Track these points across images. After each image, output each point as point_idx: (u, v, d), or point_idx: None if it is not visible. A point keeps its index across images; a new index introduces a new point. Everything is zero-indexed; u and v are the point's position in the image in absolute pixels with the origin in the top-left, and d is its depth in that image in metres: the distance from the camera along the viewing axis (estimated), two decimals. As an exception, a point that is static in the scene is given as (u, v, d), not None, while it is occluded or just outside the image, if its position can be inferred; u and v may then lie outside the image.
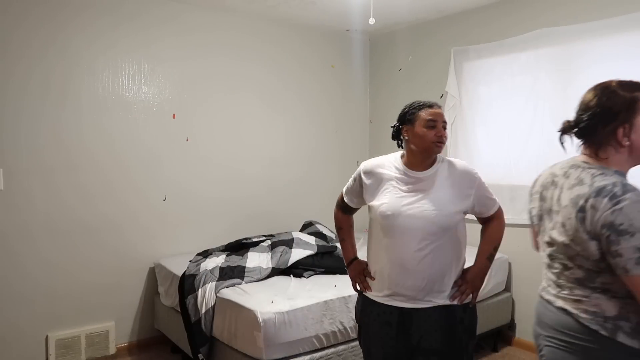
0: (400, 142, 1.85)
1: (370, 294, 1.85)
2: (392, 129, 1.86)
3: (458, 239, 1.78)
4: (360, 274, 1.90)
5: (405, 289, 1.73)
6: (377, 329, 1.81)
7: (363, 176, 1.86)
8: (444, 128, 1.75)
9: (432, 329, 1.73)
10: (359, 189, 1.89)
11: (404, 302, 1.75)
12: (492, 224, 1.88)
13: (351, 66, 4.55)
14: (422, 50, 4.14)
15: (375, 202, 1.79)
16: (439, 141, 1.72)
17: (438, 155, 1.79)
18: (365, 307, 1.87)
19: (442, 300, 1.75)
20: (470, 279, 1.80)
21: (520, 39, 3.35)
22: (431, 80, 4.03)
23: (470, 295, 1.80)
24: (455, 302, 1.76)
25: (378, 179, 1.82)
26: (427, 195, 1.73)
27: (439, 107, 1.79)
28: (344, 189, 1.99)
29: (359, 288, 1.92)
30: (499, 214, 1.88)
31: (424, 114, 1.74)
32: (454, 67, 3.77)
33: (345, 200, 1.98)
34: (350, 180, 1.95)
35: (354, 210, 2.02)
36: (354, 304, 2.01)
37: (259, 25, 3.94)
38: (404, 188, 1.75)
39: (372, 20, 3.01)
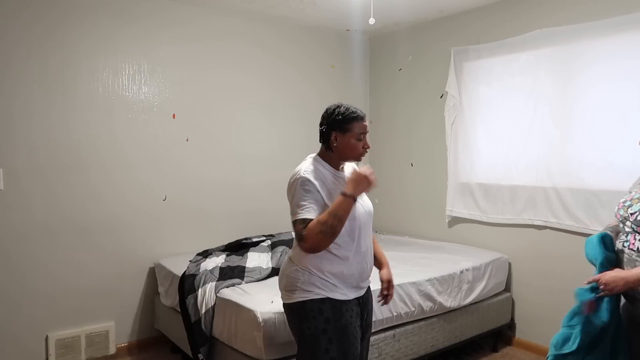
0: (327, 144, 1.88)
1: (337, 296, 1.82)
2: (320, 130, 1.89)
3: None
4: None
5: (367, 276, 1.94)
6: (354, 326, 1.83)
7: (316, 183, 1.77)
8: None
9: (370, 305, 2.01)
10: (320, 198, 1.77)
11: (363, 289, 1.93)
12: None
13: (351, 66, 4.56)
14: (422, 50, 4.14)
15: None
16: (366, 152, 1.90)
17: None
18: (338, 310, 1.81)
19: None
20: (391, 279, 2.05)
21: (520, 39, 3.35)
22: (431, 80, 4.04)
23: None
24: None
25: (324, 185, 1.80)
26: None
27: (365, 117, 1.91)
28: (303, 211, 1.71)
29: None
30: None
31: (357, 127, 1.84)
32: (454, 67, 3.78)
33: (313, 218, 1.71)
34: (303, 195, 1.74)
35: None
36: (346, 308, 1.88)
37: (258, 25, 3.94)
38: (342, 189, 1.79)
39: (372, 20, 3.01)
